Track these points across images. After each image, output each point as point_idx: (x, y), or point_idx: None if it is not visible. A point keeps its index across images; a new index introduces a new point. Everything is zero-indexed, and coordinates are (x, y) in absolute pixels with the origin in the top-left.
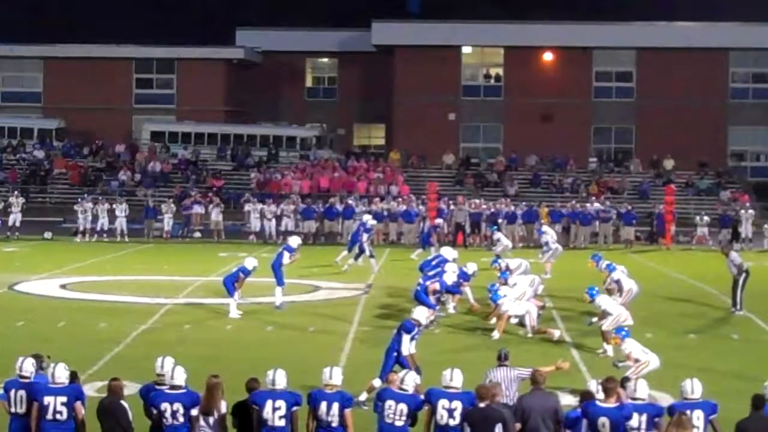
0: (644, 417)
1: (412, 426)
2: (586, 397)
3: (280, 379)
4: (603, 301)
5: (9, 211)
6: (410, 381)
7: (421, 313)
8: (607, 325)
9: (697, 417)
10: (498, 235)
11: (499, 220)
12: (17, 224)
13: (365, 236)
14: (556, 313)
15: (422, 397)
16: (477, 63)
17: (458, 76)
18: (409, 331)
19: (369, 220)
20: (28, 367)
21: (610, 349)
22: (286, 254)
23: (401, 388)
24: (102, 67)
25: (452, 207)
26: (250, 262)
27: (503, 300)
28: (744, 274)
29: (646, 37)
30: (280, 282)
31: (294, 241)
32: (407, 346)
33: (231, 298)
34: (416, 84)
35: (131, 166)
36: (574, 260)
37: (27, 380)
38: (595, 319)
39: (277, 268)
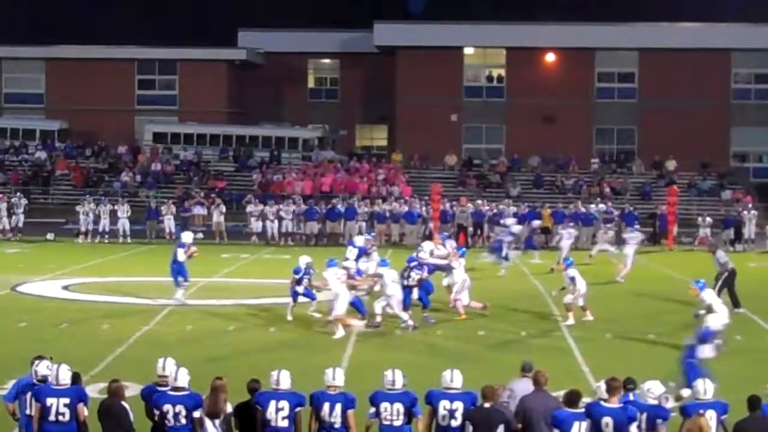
0: (644, 416)
1: (407, 423)
2: (572, 397)
3: (284, 380)
4: (708, 295)
5: (12, 212)
6: (399, 379)
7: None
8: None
9: (710, 417)
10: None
11: (502, 221)
12: (20, 225)
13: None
14: (558, 315)
15: (414, 393)
16: (479, 64)
17: (460, 77)
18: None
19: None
20: (44, 369)
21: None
22: (180, 250)
23: (391, 389)
24: (104, 68)
25: (454, 208)
26: (303, 260)
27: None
28: (726, 273)
29: (648, 37)
30: (177, 282)
31: (187, 236)
32: None
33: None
34: (418, 85)
35: (133, 167)
36: (576, 261)
37: (43, 383)
38: (702, 312)
39: (174, 266)
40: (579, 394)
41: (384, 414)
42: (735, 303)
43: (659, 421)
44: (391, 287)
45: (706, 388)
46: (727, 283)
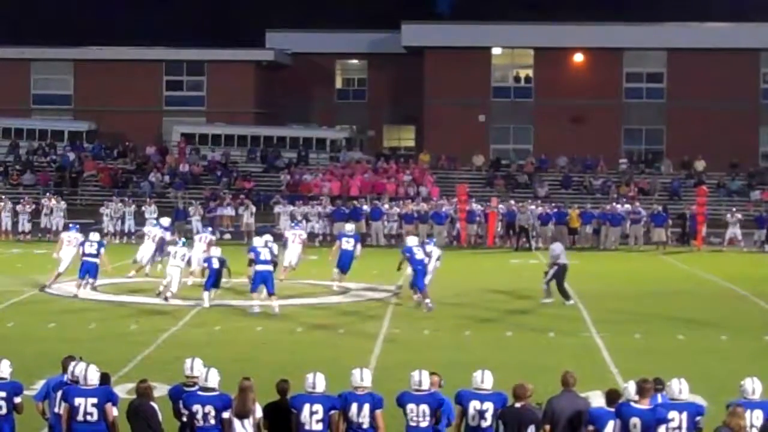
0: (684, 415)
1: (436, 425)
2: (612, 396)
3: (319, 383)
4: None
5: (45, 213)
6: (426, 380)
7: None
8: None
9: (757, 417)
10: None
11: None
12: (56, 227)
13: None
14: (587, 315)
15: (440, 393)
16: (507, 64)
17: (488, 78)
18: None
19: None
20: (78, 369)
21: None
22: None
23: (418, 390)
24: (132, 69)
25: (514, 209)
26: None
27: None
28: (556, 267)
29: (676, 37)
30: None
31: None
32: None
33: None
34: (446, 85)
35: (162, 167)
36: (604, 262)
37: (75, 383)
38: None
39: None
40: (619, 394)
41: (410, 415)
42: (564, 296)
43: (698, 418)
44: None
45: (754, 388)
46: (555, 276)
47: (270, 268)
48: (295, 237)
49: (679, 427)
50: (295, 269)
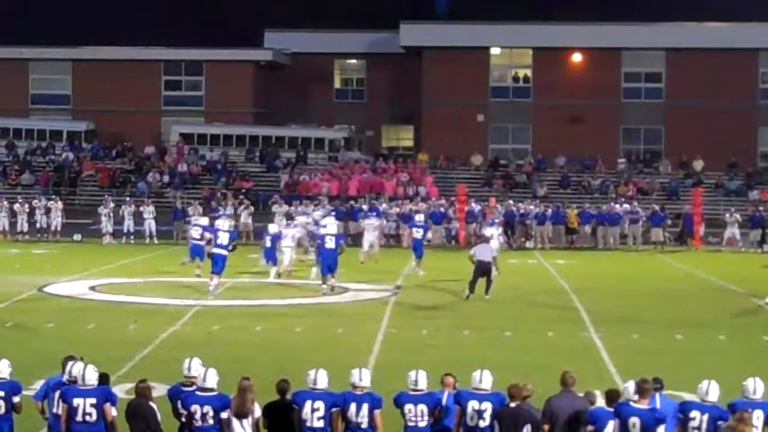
0: (706, 416)
1: (434, 425)
2: (612, 396)
3: (321, 380)
4: None
5: (41, 213)
6: (423, 379)
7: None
8: None
9: (757, 417)
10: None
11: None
12: (58, 228)
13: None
14: (585, 315)
15: (438, 394)
16: (505, 64)
17: (486, 78)
18: None
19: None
20: (76, 370)
21: None
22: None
23: (415, 390)
24: (130, 69)
25: (513, 209)
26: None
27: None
28: (477, 263)
29: (675, 37)
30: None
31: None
32: None
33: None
34: (444, 85)
35: (160, 167)
36: (603, 262)
37: (74, 383)
38: None
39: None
40: (619, 394)
41: (408, 415)
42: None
43: (720, 423)
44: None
45: (756, 388)
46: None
47: (225, 252)
48: (370, 226)
49: (698, 428)
50: (377, 258)
